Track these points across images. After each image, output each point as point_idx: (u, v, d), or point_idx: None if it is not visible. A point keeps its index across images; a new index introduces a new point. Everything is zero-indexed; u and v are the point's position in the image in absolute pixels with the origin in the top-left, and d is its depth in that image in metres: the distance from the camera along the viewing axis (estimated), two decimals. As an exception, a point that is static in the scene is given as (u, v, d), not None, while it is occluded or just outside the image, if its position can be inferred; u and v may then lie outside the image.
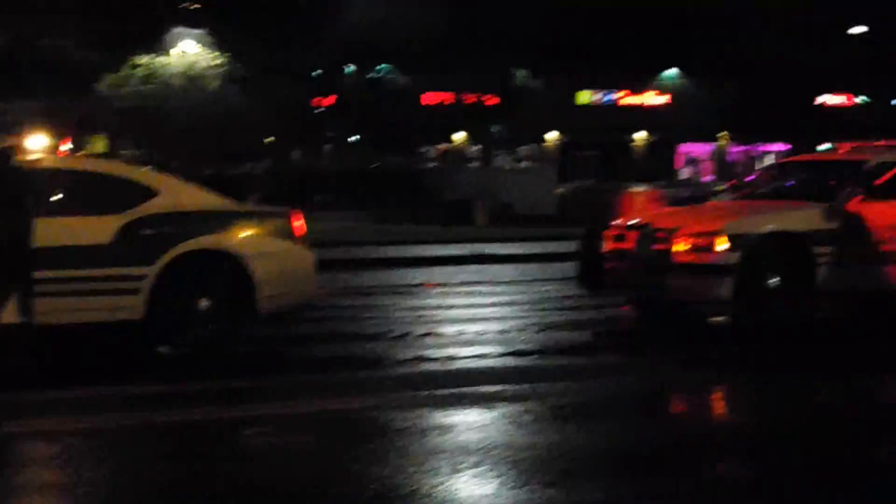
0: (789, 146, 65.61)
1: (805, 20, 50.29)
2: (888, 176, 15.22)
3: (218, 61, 47.93)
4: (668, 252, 14.91)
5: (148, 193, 12.80)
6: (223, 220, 12.98)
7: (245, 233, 12.98)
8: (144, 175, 13.45)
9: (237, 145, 57.47)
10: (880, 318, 16.18)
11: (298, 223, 13.43)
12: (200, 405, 10.34)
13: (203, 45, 48.63)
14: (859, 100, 62.03)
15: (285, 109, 52.52)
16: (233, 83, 48.40)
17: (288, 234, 13.30)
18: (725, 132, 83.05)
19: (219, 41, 49.01)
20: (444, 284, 21.12)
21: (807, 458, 8.61)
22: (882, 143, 17.42)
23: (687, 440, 9.28)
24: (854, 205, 15.06)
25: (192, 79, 47.74)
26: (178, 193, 13.02)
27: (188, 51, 48.30)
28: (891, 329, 15.31)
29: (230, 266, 12.78)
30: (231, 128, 51.29)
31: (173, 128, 47.86)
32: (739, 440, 9.41)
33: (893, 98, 57.07)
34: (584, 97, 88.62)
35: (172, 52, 48.16)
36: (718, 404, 11.28)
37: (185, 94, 47.70)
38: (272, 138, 60.59)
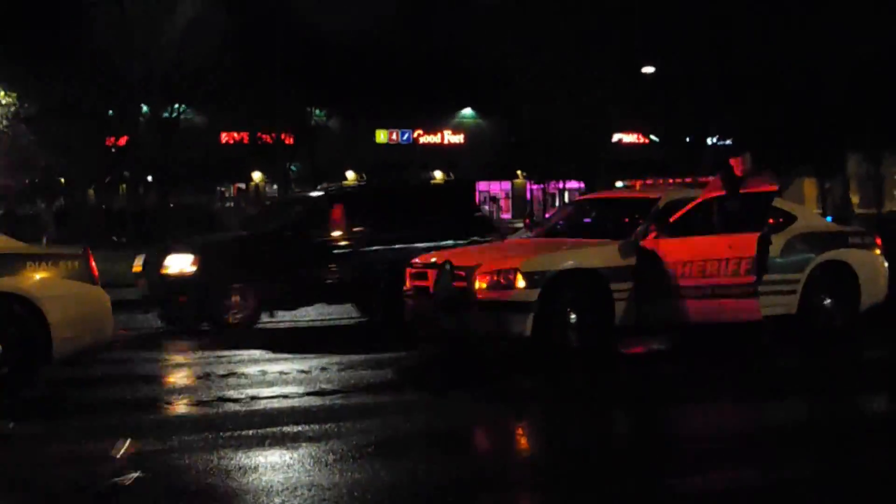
0: (583, 184, 66.84)
1: (598, 59, 51.36)
2: (680, 213, 15.61)
3: (6, 100, 46.83)
4: (468, 289, 15.05)
5: (-64, 235, 12.46)
6: (15, 262, 12.67)
7: (39, 275, 12.70)
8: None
9: (28, 185, 56.29)
10: (676, 349, 16.59)
11: (93, 264, 13.20)
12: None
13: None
14: (652, 138, 63.56)
15: (76, 149, 51.59)
16: (22, 122, 47.34)
17: (84, 275, 13.06)
18: (521, 170, 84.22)
19: (6, 79, 47.92)
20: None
21: (603, 491, 8.74)
22: (672, 181, 17.89)
23: (488, 477, 9.33)
24: (649, 241, 15.42)
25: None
26: (-33, 234, 12.68)
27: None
28: (685, 360, 15.67)
29: (24, 308, 12.48)
30: (22, 167, 50.19)
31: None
32: (539, 476, 9.50)
33: (684, 136, 58.60)
34: (382, 136, 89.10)
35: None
36: (520, 440, 11.38)
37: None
38: (62, 179, 59.47)
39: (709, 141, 60.68)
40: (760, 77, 51.48)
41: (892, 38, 48.85)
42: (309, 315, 21.00)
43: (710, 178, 16.46)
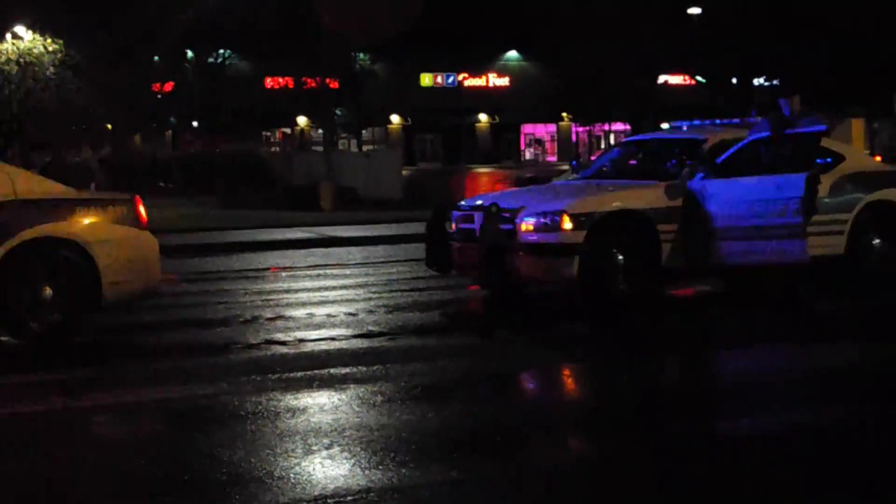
0: (629, 126, 66.55)
1: (642, 1, 50.98)
2: (728, 154, 15.52)
3: (53, 47, 46.95)
4: (514, 232, 15.04)
5: (-14, 182, 12.54)
6: (65, 208, 12.77)
7: (87, 220, 12.80)
8: (-18, 163, 13.15)
9: (76, 132, 56.53)
10: (725, 293, 16.56)
11: (141, 210, 13.28)
12: (48, 396, 10.14)
13: (36, 31, 47.60)
14: (699, 79, 63.08)
15: (123, 96, 51.74)
16: (68, 69, 47.47)
17: (131, 220, 13.16)
18: (566, 113, 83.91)
19: (53, 27, 48.02)
20: (292, 268, 21.01)
21: (652, 435, 8.73)
22: (720, 122, 17.79)
23: (536, 420, 9.35)
24: (696, 182, 15.35)
25: (27, 66, 46.69)
26: (16, 181, 12.75)
27: (21, 37, 47.26)
28: (733, 303, 15.64)
29: (73, 254, 12.59)
30: (68, 115, 50.38)
31: (8, 116, 46.82)
32: (587, 419, 9.52)
33: (730, 78, 58.15)
34: (427, 80, 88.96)
35: (5, 38, 47.09)
36: (567, 384, 11.39)
37: (20, 82, 46.65)
38: (109, 126, 59.67)
39: (756, 82, 60.20)
40: (809, 16, 50.94)
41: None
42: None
43: (758, 119, 16.36)
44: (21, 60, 46.41)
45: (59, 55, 46.92)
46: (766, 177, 15.07)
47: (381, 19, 45.86)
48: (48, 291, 12.48)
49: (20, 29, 47.35)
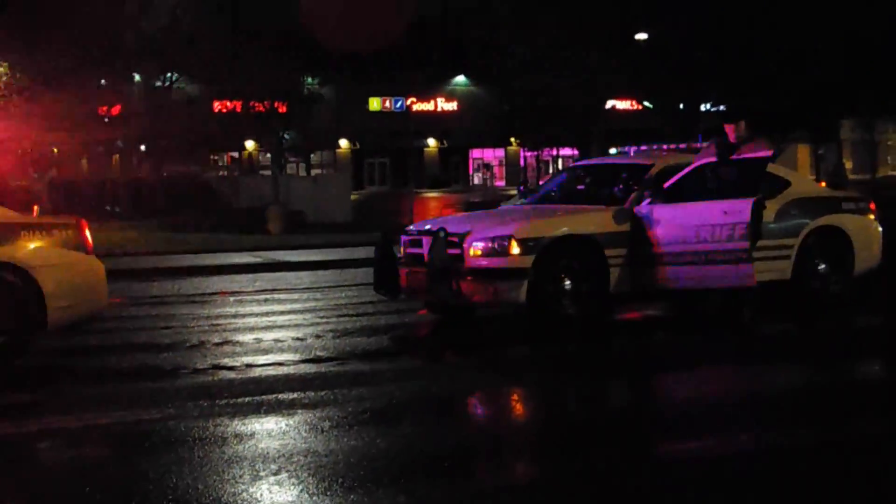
0: (577, 151, 66.84)
1: (592, 25, 51.19)
2: (675, 179, 15.62)
3: (-1, 70, 46.67)
4: (461, 256, 15.06)
5: (-70, 205, 12.44)
6: (9, 232, 12.67)
7: (32, 244, 12.70)
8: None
9: (21, 155, 56.13)
10: (672, 317, 16.63)
11: (87, 234, 13.21)
12: (-10, 421, 10.06)
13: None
14: (646, 105, 63.44)
15: (69, 118, 51.41)
16: (14, 93, 47.14)
17: (77, 244, 13.08)
18: (515, 138, 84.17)
19: (-1, 50, 47.75)
20: (239, 292, 20.94)
21: (596, 458, 8.75)
22: (666, 147, 17.91)
23: (483, 443, 9.36)
24: (643, 207, 15.43)
25: (-29, 88, 46.40)
26: (-39, 205, 12.66)
27: (-33, 59, 46.99)
28: (680, 327, 15.72)
29: (18, 278, 12.49)
30: (14, 137, 50.02)
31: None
32: (533, 443, 9.55)
33: (677, 103, 58.51)
34: (375, 104, 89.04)
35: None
36: (514, 407, 11.40)
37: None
38: (55, 150, 59.33)
39: (703, 107, 60.62)
40: (754, 43, 51.35)
41: (887, 5, 48.73)
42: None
43: (704, 145, 16.47)
44: (-35, 82, 46.10)
45: (4, 78, 46.59)
46: (713, 202, 15.15)
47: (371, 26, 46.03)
48: (-8, 315, 12.38)
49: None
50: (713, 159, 15.57)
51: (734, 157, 15.36)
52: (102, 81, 57.90)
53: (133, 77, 60.84)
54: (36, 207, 15.95)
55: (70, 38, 49.34)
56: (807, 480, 8.07)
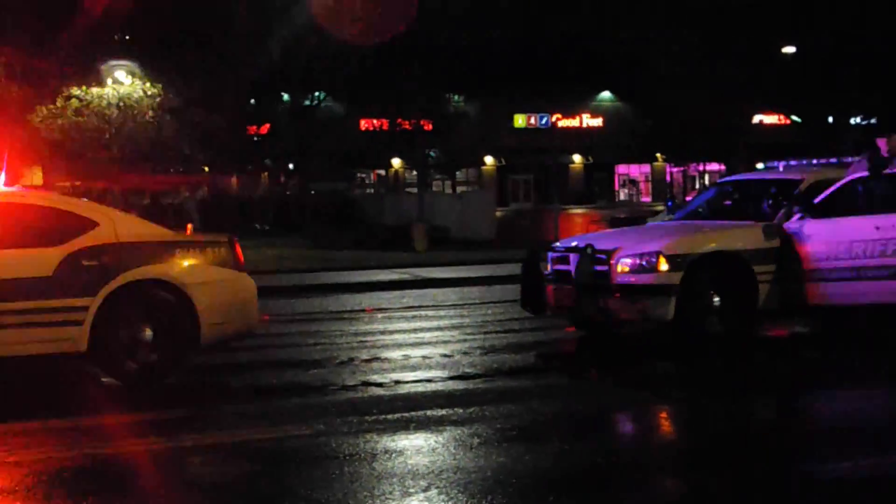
0: (724, 166, 66.16)
1: (737, 39, 50.66)
2: (825, 195, 15.39)
3: (151, 91, 47.70)
4: (608, 273, 15.01)
5: (88, 225, 12.74)
6: (164, 250, 12.95)
7: (186, 262, 12.95)
8: (84, 206, 13.36)
9: (173, 174, 57.27)
10: (821, 333, 16.39)
11: (239, 251, 13.42)
12: (147, 435, 10.26)
13: (135, 76, 48.42)
14: (794, 119, 62.56)
15: (219, 138, 52.36)
16: (167, 113, 48.17)
17: (229, 262, 13.29)
18: (660, 153, 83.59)
19: (151, 72, 48.81)
20: (387, 309, 21.09)
21: (742, 476, 8.67)
22: (816, 162, 17.65)
23: (629, 461, 9.33)
24: (793, 223, 15.23)
25: (126, 109, 47.44)
26: (117, 224, 12.94)
27: (121, 81, 48.07)
28: (829, 345, 15.48)
29: (172, 295, 12.74)
30: (166, 157, 51.07)
31: (109, 158, 47.58)
32: (680, 460, 9.49)
33: (825, 117, 57.61)
34: (520, 121, 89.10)
35: (107, 83, 47.92)
36: (661, 424, 11.34)
37: (120, 125, 47.41)
38: (206, 168, 60.43)
39: (853, 121, 59.60)
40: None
41: None
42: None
43: (855, 159, 16.20)
44: (121, 104, 47.18)
45: (157, 99, 47.62)
46: (865, 217, 14.91)
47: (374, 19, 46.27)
48: (147, 333, 12.64)
49: (120, 74, 48.18)
50: (865, 173, 15.32)
51: (887, 171, 15.09)
52: (252, 101, 58.89)
53: (281, 96, 61.71)
54: (189, 225, 16.27)
55: (220, 60, 50.32)
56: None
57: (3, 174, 13.73)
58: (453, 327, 17.79)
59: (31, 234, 12.61)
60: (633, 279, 14.85)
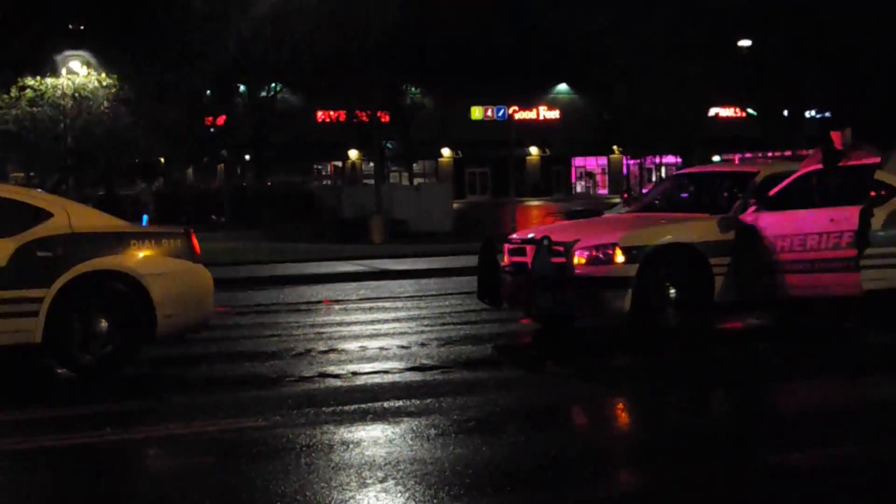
0: (680, 159, 66.42)
1: (693, 33, 50.86)
2: (780, 187, 15.47)
3: (107, 82, 47.45)
4: (565, 265, 15.03)
5: (42, 215, 12.66)
6: (120, 241, 12.87)
7: (142, 253, 12.88)
8: (38, 197, 13.26)
9: (128, 166, 57.02)
10: (776, 325, 16.48)
11: (195, 242, 13.36)
12: (101, 427, 10.20)
13: (91, 67, 48.16)
14: (749, 112, 62.87)
15: (175, 129, 52.17)
16: (122, 104, 47.94)
17: (185, 253, 13.23)
18: (617, 146, 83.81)
19: (106, 62, 48.56)
20: (344, 301, 21.08)
21: (699, 467, 8.72)
22: (771, 155, 17.73)
23: (586, 453, 9.33)
24: (748, 216, 15.30)
25: (82, 100, 47.19)
26: (72, 214, 12.86)
27: (76, 72, 47.78)
28: (784, 337, 15.57)
29: (128, 287, 12.68)
30: (121, 148, 50.82)
31: (63, 149, 47.32)
32: (636, 452, 9.52)
33: (781, 110, 57.90)
34: (477, 113, 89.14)
35: (61, 73, 47.63)
36: (618, 416, 11.37)
37: (75, 116, 47.14)
38: (162, 160, 60.20)
39: (807, 114, 59.96)
40: (859, 48, 50.70)
41: None
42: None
43: (810, 152, 16.29)
44: (76, 95, 46.92)
45: (112, 90, 47.39)
46: (819, 209, 15.00)
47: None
48: (103, 324, 12.57)
49: (75, 65, 47.89)
50: (819, 167, 15.41)
51: (841, 164, 15.18)
52: (208, 93, 58.71)
53: (238, 88, 61.53)
54: (144, 217, 16.18)
55: (174, 51, 50.13)
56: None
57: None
58: (411, 319, 17.80)
59: (-17, 224, 12.51)
60: (589, 271, 14.88)
